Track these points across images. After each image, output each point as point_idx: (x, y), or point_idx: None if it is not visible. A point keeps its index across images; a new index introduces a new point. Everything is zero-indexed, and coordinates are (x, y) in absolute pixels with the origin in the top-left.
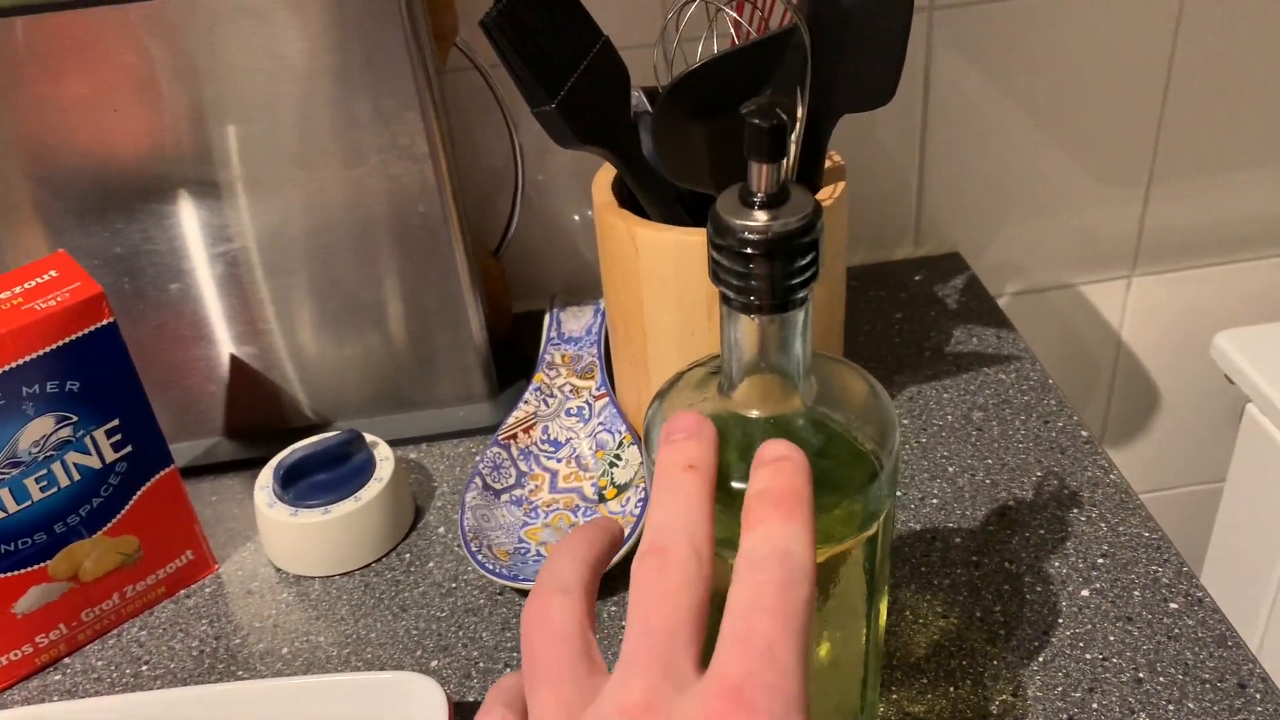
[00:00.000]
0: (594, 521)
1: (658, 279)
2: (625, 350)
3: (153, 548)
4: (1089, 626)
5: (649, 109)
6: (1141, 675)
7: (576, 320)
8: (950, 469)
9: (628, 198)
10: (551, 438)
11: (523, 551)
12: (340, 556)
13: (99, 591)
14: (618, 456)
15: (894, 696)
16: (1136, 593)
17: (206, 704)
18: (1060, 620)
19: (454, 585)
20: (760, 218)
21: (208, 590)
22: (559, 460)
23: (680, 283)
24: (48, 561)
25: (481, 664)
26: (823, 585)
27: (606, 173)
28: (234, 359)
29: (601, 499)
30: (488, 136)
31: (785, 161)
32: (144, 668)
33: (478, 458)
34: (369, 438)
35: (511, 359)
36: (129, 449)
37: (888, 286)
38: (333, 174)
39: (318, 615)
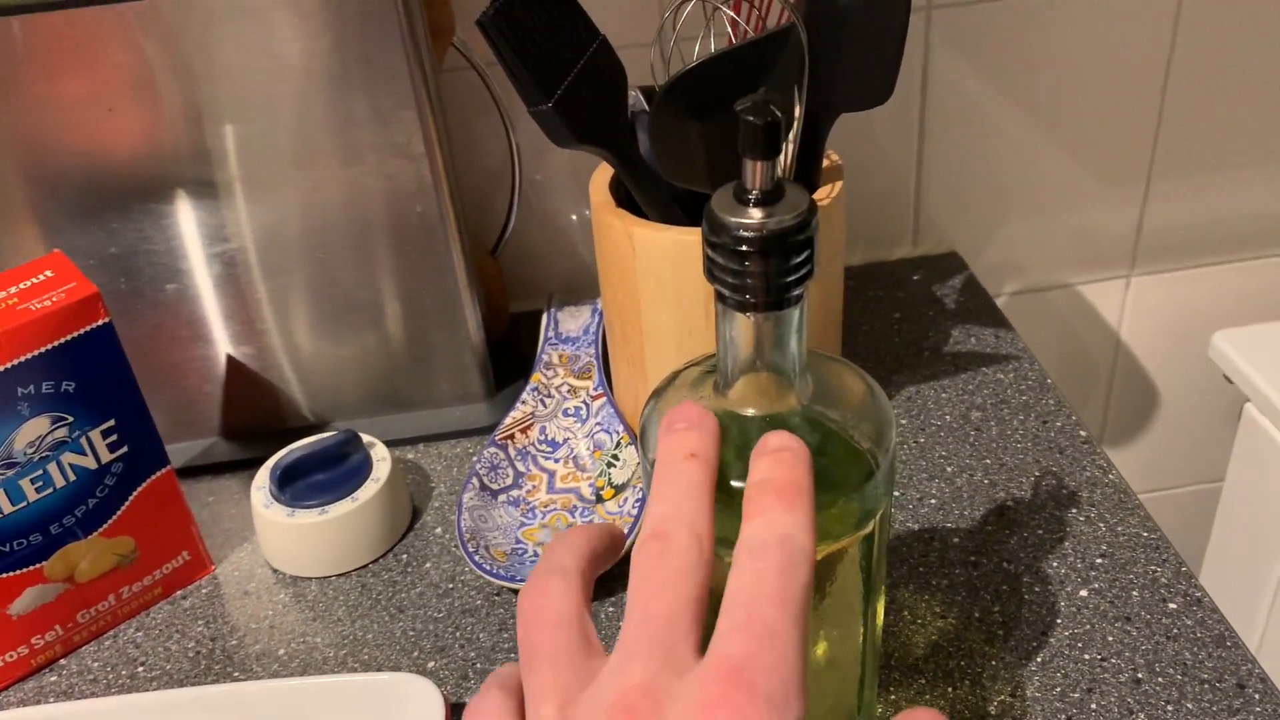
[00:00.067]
0: (596, 524)
1: (655, 279)
2: (623, 350)
3: (149, 549)
4: (1087, 627)
5: (646, 108)
6: (1140, 675)
7: (574, 320)
8: (948, 469)
9: (625, 197)
10: (549, 438)
11: (520, 552)
12: (337, 557)
13: (95, 592)
14: (615, 457)
15: (892, 697)
16: (1135, 593)
17: (203, 705)
18: (1059, 620)
19: (451, 586)
20: (755, 215)
21: (204, 591)
22: (556, 460)
23: (678, 282)
24: (43, 562)
25: (479, 665)
26: (819, 583)
27: (604, 172)
28: (231, 359)
29: (599, 499)
30: (485, 136)
31: (780, 158)
32: (140, 669)
33: (475, 458)
34: (366, 438)
35: (509, 359)
36: (125, 449)
37: (886, 286)
38: (330, 173)
39: (314, 616)
